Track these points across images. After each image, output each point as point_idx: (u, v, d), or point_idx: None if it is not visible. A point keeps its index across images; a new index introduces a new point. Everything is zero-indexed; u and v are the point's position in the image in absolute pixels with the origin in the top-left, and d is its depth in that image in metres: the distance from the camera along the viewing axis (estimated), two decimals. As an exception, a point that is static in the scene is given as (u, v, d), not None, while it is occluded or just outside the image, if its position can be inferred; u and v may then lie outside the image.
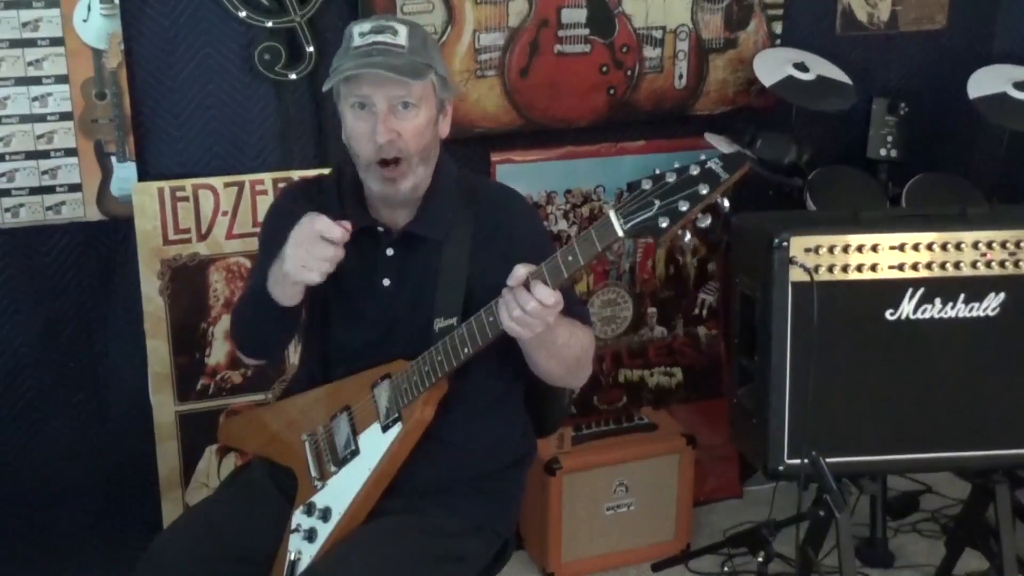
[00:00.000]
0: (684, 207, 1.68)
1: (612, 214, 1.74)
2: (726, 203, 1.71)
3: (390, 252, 2.08)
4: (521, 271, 1.83)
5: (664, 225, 1.70)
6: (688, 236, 1.73)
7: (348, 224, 1.94)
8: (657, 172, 1.72)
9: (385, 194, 2.02)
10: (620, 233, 1.73)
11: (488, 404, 2.11)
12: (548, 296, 1.80)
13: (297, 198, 2.16)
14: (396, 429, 2.01)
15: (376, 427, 2.03)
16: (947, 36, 3.53)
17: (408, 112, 1.96)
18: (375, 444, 2.03)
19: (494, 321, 1.87)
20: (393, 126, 1.95)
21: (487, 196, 2.13)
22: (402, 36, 1.97)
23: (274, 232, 2.09)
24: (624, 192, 3.23)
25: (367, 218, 2.08)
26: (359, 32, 1.98)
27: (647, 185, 1.72)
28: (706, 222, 1.71)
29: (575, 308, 2.06)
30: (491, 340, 1.91)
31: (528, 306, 1.80)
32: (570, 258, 1.79)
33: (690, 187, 1.69)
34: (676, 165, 1.72)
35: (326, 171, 2.29)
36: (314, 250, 1.92)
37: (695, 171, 1.69)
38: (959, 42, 3.54)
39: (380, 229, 2.08)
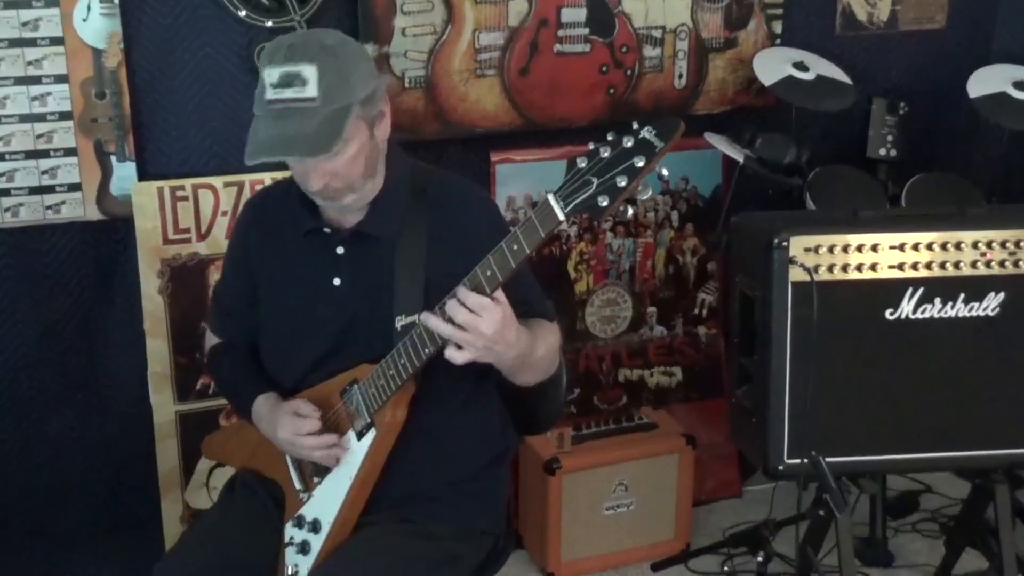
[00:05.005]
0: (623, 182, 1.62)
1: (551, 197, 1.67)
2: (665, 172, 1.68)
3: (340, 251, 2.04)
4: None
5: (604, 204, 1.63)
6: (631, 211, 1.68)
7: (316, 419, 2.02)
8: (592, 147, 1.66)
9: (331, 207, 2.01)
10: (561, 217, 1.67)
11: (459, 403, 2.07)
12: (468, 297, 1.76)
13: (257, 209, 2.19)
14: (370, 435, 1.99)
15: (351, 435, 2.02)
16: (947, 36, 3.53)
17: (335, 156, 1.88)
18: (353, 452, 2.02)
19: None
20: (324, 171, 1.89)
21: (442, 191, 2.06)
22: (312, 85, 1.83)
23: (238, 245, 2.20)
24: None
25: (314, 220, 2.05)
26: (270, 82, 1.84)
27: (582, 163, 1.65)
28: (647, 194, 1.67)
29: (537, 306, 2.01)
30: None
31: (459, 316, 1.77)
32: (515, 247, 1.73)
33: (626, 160, 1.62)
34: (610, 136, 1.65)
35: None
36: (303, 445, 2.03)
37: (629, 143, 1.63)
38: (959, 42, 3.54)
39: (327, 231, 2.04)
